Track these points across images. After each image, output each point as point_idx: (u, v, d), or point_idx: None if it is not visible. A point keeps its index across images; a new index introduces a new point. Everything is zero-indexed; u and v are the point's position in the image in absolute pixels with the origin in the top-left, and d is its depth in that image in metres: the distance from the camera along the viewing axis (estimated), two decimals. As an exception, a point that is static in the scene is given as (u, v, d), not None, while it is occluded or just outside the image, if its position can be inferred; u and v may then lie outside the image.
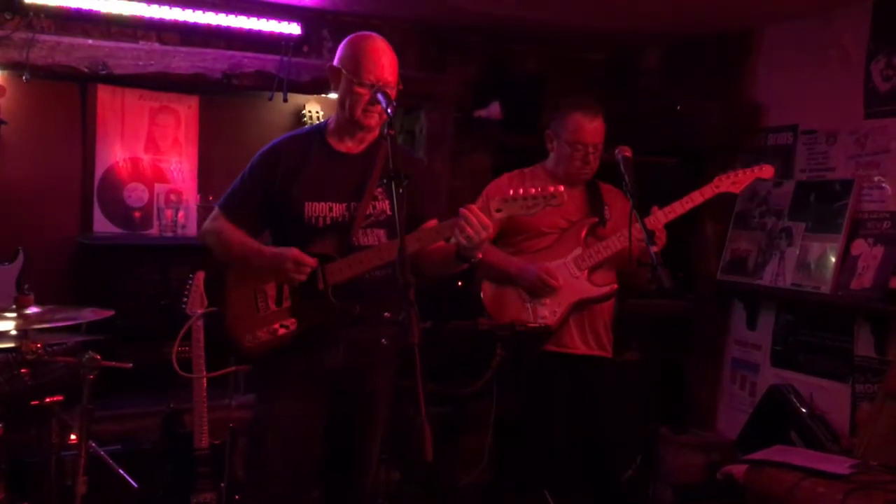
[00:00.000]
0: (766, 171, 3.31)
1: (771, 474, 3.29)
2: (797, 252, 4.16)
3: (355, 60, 2.62)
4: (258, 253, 2.67)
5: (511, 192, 2.46)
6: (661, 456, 4.50)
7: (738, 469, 3.51)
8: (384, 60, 2.62)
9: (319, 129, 2.77)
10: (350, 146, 2.72)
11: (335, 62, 2.69)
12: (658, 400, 4.49)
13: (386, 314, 2.45)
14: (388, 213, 2.66)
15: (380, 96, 2.54)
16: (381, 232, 2.68)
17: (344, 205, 2.66)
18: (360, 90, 2.60)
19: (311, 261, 2.58)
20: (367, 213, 2.66)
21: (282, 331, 2.66)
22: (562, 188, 2.44)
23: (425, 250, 2.62)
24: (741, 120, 4.61)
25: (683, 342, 4.81)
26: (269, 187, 2.69)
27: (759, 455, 3.46)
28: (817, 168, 4.24)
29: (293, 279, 2.60)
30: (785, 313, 4.32)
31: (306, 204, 2.65)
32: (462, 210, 2.43)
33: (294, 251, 2.57)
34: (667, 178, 4.36)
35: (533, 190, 2.43)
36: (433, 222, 2.68)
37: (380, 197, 2.68)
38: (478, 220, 2.40)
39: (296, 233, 2.65)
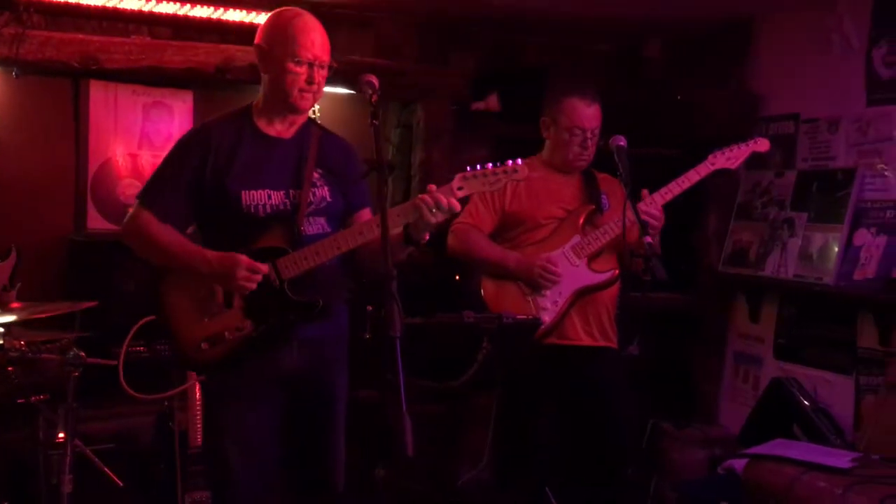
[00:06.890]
0: (762, 143, 3.22)
1: (771, 469, 3.23)
2: (799, 243, 4.11)
3: (289, 37, 2.45)
4: (202, 258, 2.45)
5: (469, 168, 2.41)
6: (663, 451, 4.46)
7: (739, 463, 3.47)
8: (319, 38, 2.48)
9: (246, 112, 2.59)
10: (280, 130, 2.57)
11: (261, 41, 2.52)
12: (660, 395, 4.44)
13: (368, 307, 2.40)
14: (329, 199, 2.57)
15: (368, 80, 2.35)
16: (322, 220, 2.57)
17: (282, 192, 2.51)
18: (297, 69, 2.45)
19: (263, 267, 2.42)
20: (309, 200, 2.54)
21: (235, 335, 2.47)
22: (520, 161, 2.40)
23: (368, 240, 2.47)
24: (742, 109, 4.53)
25: (686, 336, 4.74)
26: (201, 174, 2.49)
27: (758, 449, 3.41)
28: (819, 157, 4.17)
29: (243, 288, 2.43)
30: (788, 305, 4.26)
31: (243, 192, 2.47)
32: (421, 197, 2.37)
33: (244, 258, 2.40)
34: (668, 169, 4.30)
35: (490, 165, 2.39)
36: (366, 211, 2.64)
37: (318, 183, 2.56)
38: (445, 201, 2.35)
39: (232, 225, 2.49)
